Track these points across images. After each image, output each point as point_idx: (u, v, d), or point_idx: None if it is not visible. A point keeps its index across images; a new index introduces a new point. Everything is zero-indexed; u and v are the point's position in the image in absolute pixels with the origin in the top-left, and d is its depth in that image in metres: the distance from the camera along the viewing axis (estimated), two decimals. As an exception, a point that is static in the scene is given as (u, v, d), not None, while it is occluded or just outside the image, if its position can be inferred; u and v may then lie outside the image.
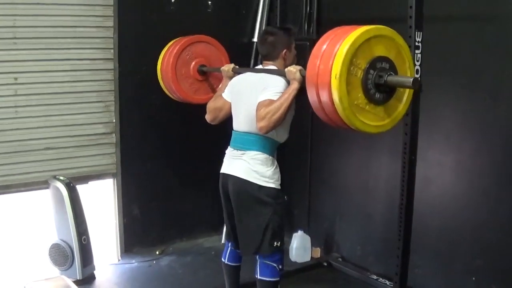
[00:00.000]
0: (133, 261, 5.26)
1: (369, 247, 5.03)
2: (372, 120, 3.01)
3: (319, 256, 5.38)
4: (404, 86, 2.98)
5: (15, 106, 4.58)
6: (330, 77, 2.82)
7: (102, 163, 5.14)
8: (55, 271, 4.69)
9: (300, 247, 5.26)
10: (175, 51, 4.49)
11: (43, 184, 4.77)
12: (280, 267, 3.75)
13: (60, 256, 4.67)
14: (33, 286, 3.60)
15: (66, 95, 4.81)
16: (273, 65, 3.76)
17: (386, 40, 2.96)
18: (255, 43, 5.39)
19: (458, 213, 4.19)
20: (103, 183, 5.26)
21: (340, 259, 5.26)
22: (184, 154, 5.57)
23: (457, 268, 4.23)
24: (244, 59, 5.30)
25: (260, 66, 3.92)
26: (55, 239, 4.72)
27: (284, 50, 3.74)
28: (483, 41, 3.90)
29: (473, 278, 4.10)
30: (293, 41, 3.84)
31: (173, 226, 5.73)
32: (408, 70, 3.07)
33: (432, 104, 4.02)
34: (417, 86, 2.89)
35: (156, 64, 4.64)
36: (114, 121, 5.11)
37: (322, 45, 2.94)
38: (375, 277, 4.79)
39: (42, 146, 4.76)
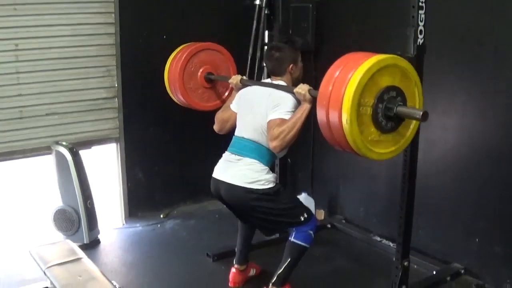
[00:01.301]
0: (138, 225, 5.30)
1: (373, 209, 5.05)
2: (387, 147, 3.05)
3: (323, 218, 5.40)
4: (413, 118, 2.99)
5: (17, 72, 4.56)
6: (341, 123, 2.82)
7: (104, 128, 5.14)
8: (59, 236, 4.72)
9: (303, 209, 5.28)
10: (179, 66, 4.32)
11: (46, 149, 4.78)
12: (314, 235, 3.78)
13: (66, 221, 4.70)
14: (38, 250, 3.61)
15: (67, 60, 4.79)
16: (280, 80, 3.77)
17: (390, 69, 2.92)
18: (257, 6, 5.31)
19: (461, 175, 4.20)
20: (106, 148, 5.27)
21: (343, 221, 5.30)
22: (186, 116, 5.51)
23: (460, 229, 4.25)
24: (247, 23, 5.20)
25: (268, 80, 3.90)
26: (59, 204, 4.74)
27: (291, 65, 3.75)
28: (488, 1, 3.87)
29: (476, 240, 4.13)
30: (299, 55, 3.84)
31: (177, 189, 5.76)
32: (415, 89, 3.06)
33: (436, 66, 3.98)
34: (426, 119, 2.89)
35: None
36: (116, 85, 5.09)
37: (327, 88, 2.90)
38: (378, 238, 4.83)
39: (44, 112, 4.76)
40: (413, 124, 3.11)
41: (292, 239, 3.72)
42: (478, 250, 4.14)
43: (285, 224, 3.75)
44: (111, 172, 5.37)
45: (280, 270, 3.74)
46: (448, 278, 4.15)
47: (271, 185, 3.60)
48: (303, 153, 5.56)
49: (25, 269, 4.15)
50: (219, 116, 4.02)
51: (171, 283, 4.23)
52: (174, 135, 5.57)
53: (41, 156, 4.84)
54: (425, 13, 3.28)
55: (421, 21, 3.28)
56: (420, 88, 3.08)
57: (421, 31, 3.28)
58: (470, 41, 4.01)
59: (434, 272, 4.24)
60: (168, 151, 5.60)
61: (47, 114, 4.78)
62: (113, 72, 5.05)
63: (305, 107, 3.42)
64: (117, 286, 3.26)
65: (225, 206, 3.89)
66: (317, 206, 5.36)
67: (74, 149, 4.69)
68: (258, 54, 4.79)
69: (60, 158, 4.64)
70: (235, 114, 3.90)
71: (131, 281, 4.25)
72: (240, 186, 3.58)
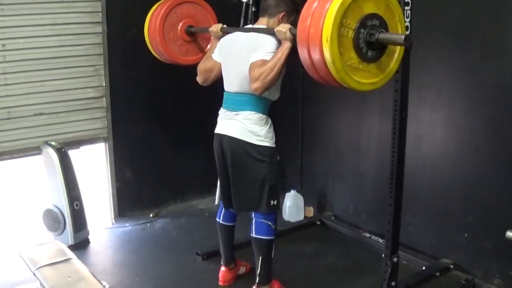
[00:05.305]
0: (127, 224, 5.29)
1: (362, 205, 5.06)
2: (366, 78, 2.99)
3: (312, 215, 5.41)
4: (395, 43, 2.94)
5: (4, 73, 4.54)
6: (321, 41, 2.79)
7: (93, 128, 5.13)
8: (49, 236, 4.70)
9: (293, 206, 5.29)
10: (161, 14, 4.37)
11: (36, 150, 4.76)
12: (274, 226, 3.80)
13: (53, 221, 4.69)
14: (27, 251, 3.59)
15: (55, 60, 4.77)
16: (265, 23, 3.73)
17: None
18: (244, 3, 5.31)
19: (449, 170, 4.21)
20: (95, 148, 5.25)
21: (333, 218, 5.31)
22: (175, 115, 5.56)
23: (449, 224, 4.27)
24: (233, 20, 5.22)
25: (249, 26, 3.88)
26: (48, 204, 4.73)
27: (283, 13, 3.70)
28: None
29: (465, 235, 4.15)
30: (295, 15, 3.76)
31: (166, 188, 5.76)
32: (398, 25, 3.02)
33: (422, 61, 4.01)
34: (409, 43, 2.86)
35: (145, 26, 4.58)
36: (104, 85, 5.08)
37: (311, 6, 2.89)
38: (367, 234, 4.84)
39: (32, 112, 4.74)
40: (397, 54, 3.07)
41: (254, 235, 3.78)
42: (467, 245, 4.16)
43: (260, 200, 3.71)
44: (100, 172, 5.36)
45: (258, 269, 3.82)
46: (438, 274, 4.17)
47: (267, 144, 3.64)
48: (292, 150, 5.58)
49: (15, 271, 4.13)
50: (201, 67, 3.97)
51: (161, 282, 4.22)
52: (163, 134, 5.56)
53: (31, 156, 4.81)
54: (411, 9, 3.28)
55: (407, 17, 3.28)
56: (403, 24, 3.05)
57: (407, 27, 3.28)
58: (457, 35, 4.03)
59: (424, 268, 4.26)
60: (157, 150, 5.59)
61: (35, 115, 4.76)
62: (101, 71, 5.03)
63: (286, 46, 3.38)
64: (107, 286, 3.27)
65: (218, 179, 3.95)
66: (306, 203, 5.37)
67: (63, 150, 4.67)
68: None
69: (48, 158, 4.63)
70: (218, 63, 3.86)
71: (121, 281, 4.24)
72: (240, 139, 3.63)
